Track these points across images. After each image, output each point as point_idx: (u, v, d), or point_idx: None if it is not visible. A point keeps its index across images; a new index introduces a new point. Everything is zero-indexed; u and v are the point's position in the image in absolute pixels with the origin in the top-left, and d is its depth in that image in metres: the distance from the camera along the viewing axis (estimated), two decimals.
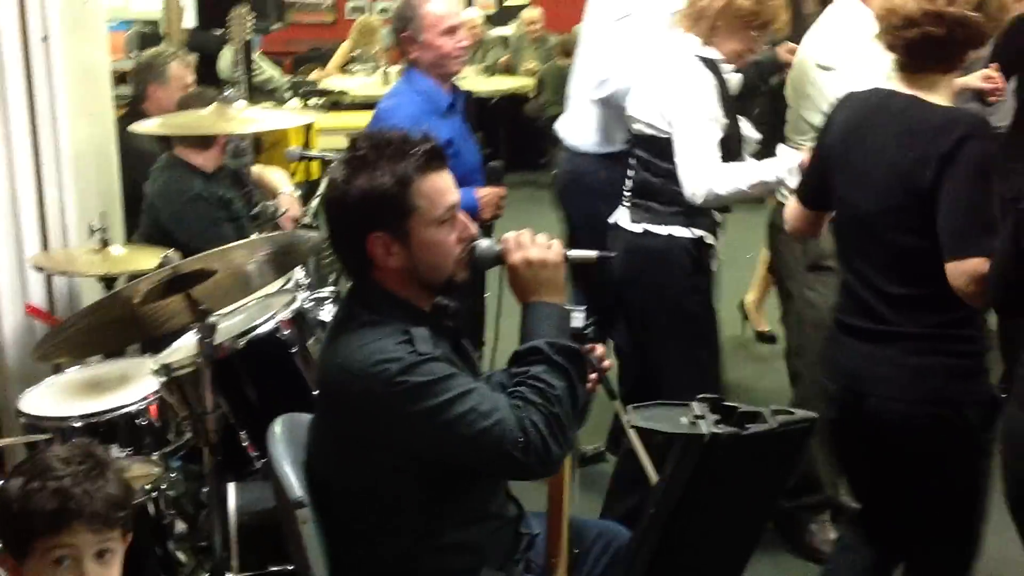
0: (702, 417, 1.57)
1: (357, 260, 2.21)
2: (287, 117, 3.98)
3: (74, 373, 3.38)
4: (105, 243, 3.46)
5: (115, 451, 2.99)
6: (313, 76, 9.51)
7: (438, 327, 2.24)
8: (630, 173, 3.53)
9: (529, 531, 2.42)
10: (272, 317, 2.85)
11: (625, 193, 3.54)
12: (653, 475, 2.04)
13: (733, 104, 3.36)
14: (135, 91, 4.88)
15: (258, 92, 7.80)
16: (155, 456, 3.03)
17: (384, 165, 2.13)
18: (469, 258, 2.26)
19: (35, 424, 3.06)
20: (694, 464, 1.52)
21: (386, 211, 2.13)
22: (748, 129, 3.44)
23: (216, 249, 2.60)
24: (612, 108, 3.84)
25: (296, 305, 2.92)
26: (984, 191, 2.39)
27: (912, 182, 2.43)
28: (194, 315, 2.47)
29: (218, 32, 6.50)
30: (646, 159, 3.45)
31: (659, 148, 3.37)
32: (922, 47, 2.44)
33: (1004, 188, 3.71)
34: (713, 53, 3.32)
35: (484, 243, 2.31)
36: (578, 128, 4.12)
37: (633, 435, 2.06)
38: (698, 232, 3.38)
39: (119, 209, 4.47)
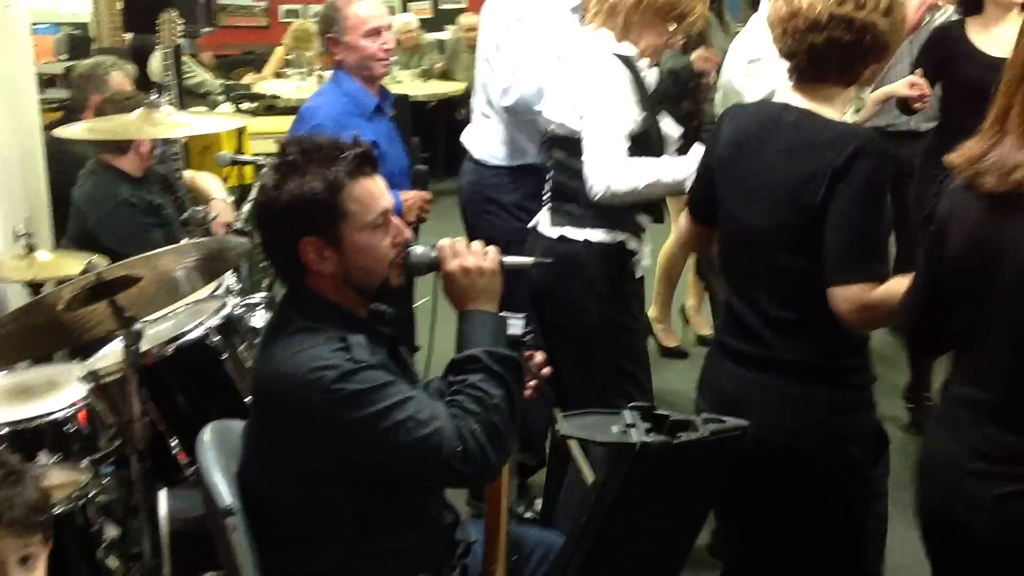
0: (633, 426, 1.58)
1: (290, 265, 2.20)
2: (215, 121, 3.95)
3: (1, 379, 3.31)
4: (31, 248, 3.40)
5: (43, 458, 2.95)
6: (247, 80, 9.46)
7: (374, 334, 2.23)
8: (548, 175, 3.42)
9: (466, 538, 2.42)
10: (201, 323, 2.82)
11: (544, 196, 3.43)
12: (589, 477, 2.04)
13: (652, 101, 3.24)
14: (74, 99, 4.79)
15: (191, 96, 7.76)
16: (84, 463, 2.97)
17: (315, 170, 2.12)
18: (403, 263, 2.25)
19: None
20: (624, 473, 1.52)
21: (317, 216, 2.12)
22: (670, 126, 3.29)
23: (142, 255, 2.56)
24: (519, 117, 3.81)
25: (226, 311, 2.90)
26: (873, 213, 2.25)
27: (801, 199, 2.28)
28: (119, 322, 2.43)
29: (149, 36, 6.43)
30: (562, 160, 3.32)
31: (574, 148, 3.22)
32: (825, 54, 2.30)
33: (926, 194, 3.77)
34: (628, 49, 3.17)
35: (419, 249, 2.31)
36: (483, 140, 4.05)
37: (573, 443, 2.06)
38: (619, 236, 3.26)
39: (47, 214, 4.41)
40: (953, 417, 2.01)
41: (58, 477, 2.75)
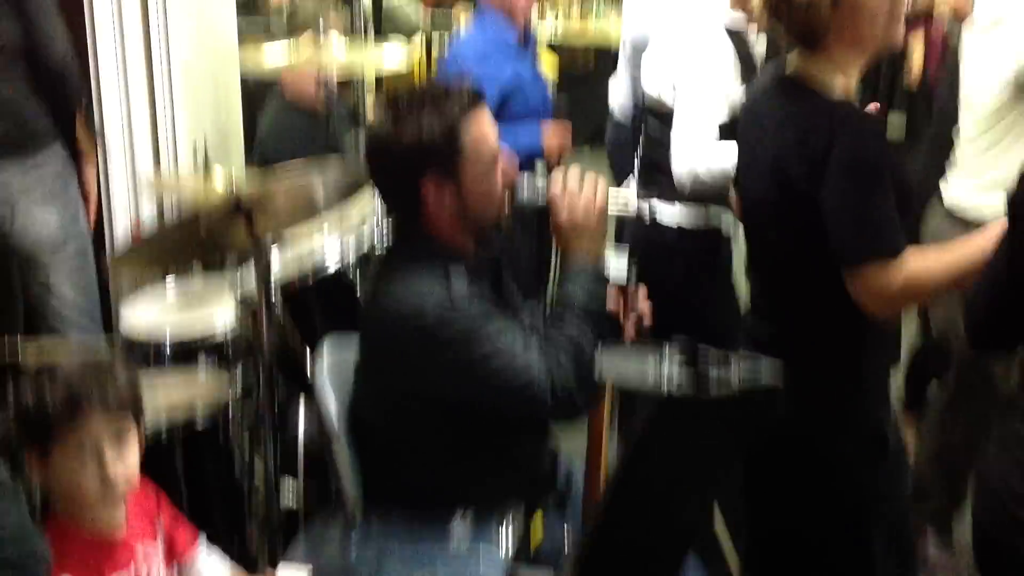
0: (669, 361, 1.60)
1: (408, 204, 2.27)
2: (382, 54, 4.02)
3: (173, 286, 3.56)
4: (207, 167, 3.63)
5: (201, 359, 3.18)
6: (456, 11, 9.55)
7: (478, 265, 2.30)
8: (640, 148, 3.36)
9: (567, 467, 2.51)
10: (340, 255, 2.97)
11: (634, 171, 3.38)
12: None
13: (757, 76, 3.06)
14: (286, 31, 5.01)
15: (395, 26, 7.92)
16: (238, 374, 3.16)
17: (430, 111, 2.18)
18: (512, 200, 2.32)
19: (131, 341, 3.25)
20: (651, 418, 1.56)
21: (438, 155, 2.19)
22: None
23: (283, 170, 2.70)
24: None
25: (365, 240, 3.02)
26: (868, 189, 2.10)
27: (781, 175, 2.19)
28: (252, 243, 2.58)
29: None
30: (655, 130, 3.25)
31: (665, 119, 3.17)
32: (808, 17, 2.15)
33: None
34: (738, 22, 3.07)
35: (525, 189, 2.36)
36: (617, 92, 4.16)
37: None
38: (712, 221, 3.18)
39: (239, 137, 4.67)
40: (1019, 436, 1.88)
41: (201, 384, 2.95)
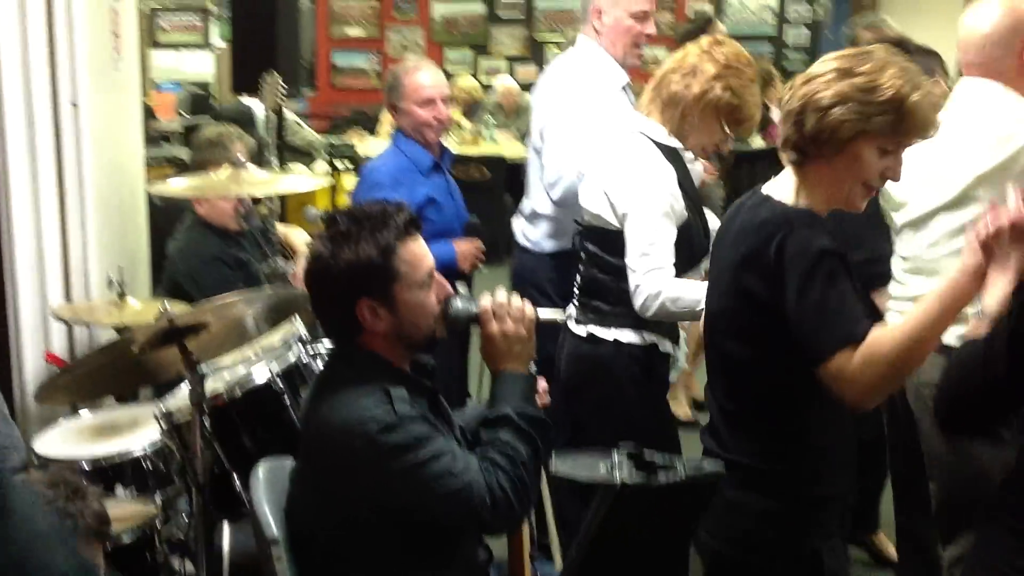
0: (620, 466, 1.70)
1: (345, 325, 2.36)
2: (296, 180, 4.15)
3: (88, 417, 3.56)
4: (122, 295, 3.65)
5: (119, 492, 3.17)
6: (354, 140, 9.80)
7: (416, 385, 2.38)
8: (580, 268, 3.27)
9: (500, 574, 2.56)
10: (268, 369, 3.00)
11: (574, 290, 3.28)
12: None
13: (697, 195, 3.14)
14: (195, 162, 5.06)
15: (297, 153, 8.11)
16: (158, 498, 3.17)
17: (367, 236, 2.28)
18: (444, 316, 2.41)
19: (47, 466, 3.22)
20: (607, 510, 1.65)
21: (373, 279, 2.29)
22: (714, 221, 3.10)
23: (213, 302, 2.76)
24: (569, 208, 3.60)
25: (292, 359, 3.07)
26: (823, 284, 2.12)
27: (738, 282, 2.26)
28: (186, 365, 2.62)
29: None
30: (594, 253, 3.17)
31: (609, 242, 3.08)
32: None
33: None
34: (675, 143, 3.04)
35: (459, 303, 2.46)
36: (530, 226, 4.04)
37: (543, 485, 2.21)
38: (650, 338, 3.09)
39: (146, 264, 4.69)
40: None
41: (128, 509, 2.94)
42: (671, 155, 3.03)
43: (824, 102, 2.16)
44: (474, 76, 11.67)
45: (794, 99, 2.23)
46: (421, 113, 3.98)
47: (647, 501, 1.65)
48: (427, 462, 2.20)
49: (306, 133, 8.47)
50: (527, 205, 4.08)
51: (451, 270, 3.80)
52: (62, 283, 3.88)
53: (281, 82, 4.97)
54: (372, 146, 8.94)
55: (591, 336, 3.14)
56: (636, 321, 3.04)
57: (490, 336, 2.41)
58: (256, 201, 4.65)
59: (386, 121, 10.00)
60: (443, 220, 3.95)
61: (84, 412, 3.58)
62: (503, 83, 9.91)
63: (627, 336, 3.08)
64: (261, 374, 3.00)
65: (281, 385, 3.01)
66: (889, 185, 2.31)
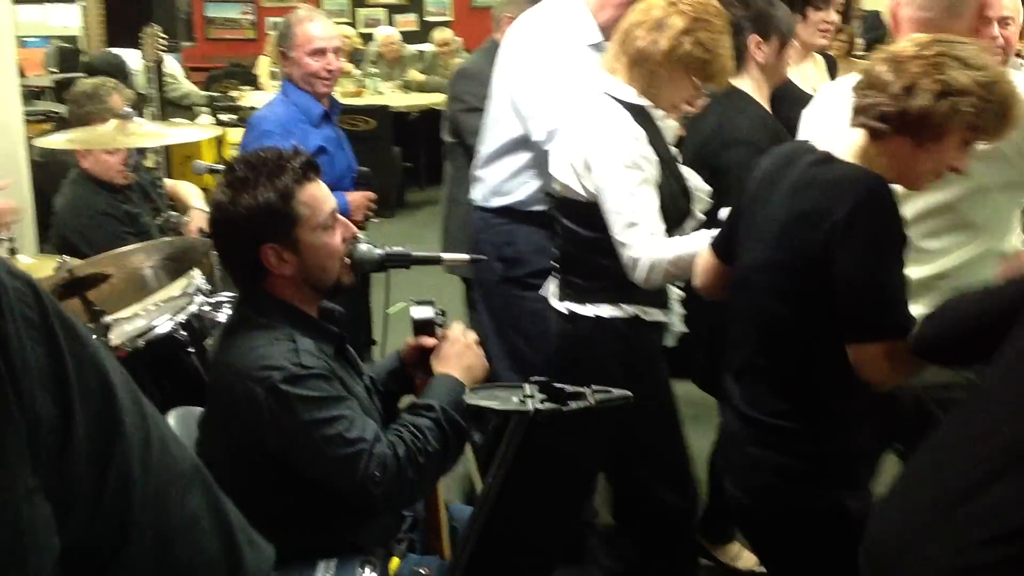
0: (531, 396, 1.77)
1: (250, 271, 2.38)
2: (187, 132, 4.13)
3: None
4: (13, 252, 3.60)
5: None
6: (233, 92, 9.66)
7: (323, 332, 2.42)
8: (556, 241, 3.08)
9: (413, 513, 2.62)
10: (170, 319, 3.01)
11: (552, 264, 3.10)
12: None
13: (671, 156, 2.90)
14: (72, 115, 4.97)
15: (175, 107, 7.97)
16: None
17: (264, 181, 2.30)
18: (351, 259, 2.46)
19: None
20: (520, 438, 1.72)
21: (274, 223, 2.31)
22: (696, 180, 2.95)
23: (110, 253, 2.76)
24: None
25: (193, 308, 3.08)
26: (885, 265, 2.11)
27: (793, 239, 2.19)
28: (89, 316, 2.62)
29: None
30: (567, 226, 2.98)
31: (579, 214, 2.89)
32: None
33: None
34: (644, 102, 2.82)
35: (363, 246, 2.50)
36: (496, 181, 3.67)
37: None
38: (630, 309, 2.88)
39: (32, 220, 4.61)
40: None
41: None
42: (640, 116, 2.81)
43: (947, 88, 2.08)
44: (351, 25, 11.55)
45: (901, 72, 2.13)
46: (311, 63, 3.97)
47: (558, 427, 1.74)
48: (322, 422, 2.22)
49: (184, 86, 8.32)
50: (484, 168, 3.72)
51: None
52: None
53: (159, 34, 4.88)
54: (256, 98, 8.83)
55: (572, 313, 2.96)
56: (615, 294, 2.88)
57: (453, 339, 2.50)
58: (141, 155, 4.60)
59: (263, 71, 9.89)
60: (334, 171, 3.96)
61: None
62: (383, 32, 9.85)
63: (607, 311, 2.90)
64: (163, 324, 3.00)
65: (184, 335, 3.02)
66: None
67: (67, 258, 2.73)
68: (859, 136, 2.22)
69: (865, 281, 2.10)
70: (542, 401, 1.75)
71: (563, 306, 2.97)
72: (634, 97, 2.81)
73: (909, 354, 2.08)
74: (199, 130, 4.12)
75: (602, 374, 2.71)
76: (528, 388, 1.78)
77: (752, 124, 3.23)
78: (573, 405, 1.74)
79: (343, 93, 9.14)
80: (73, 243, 3.93)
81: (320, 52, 3.99)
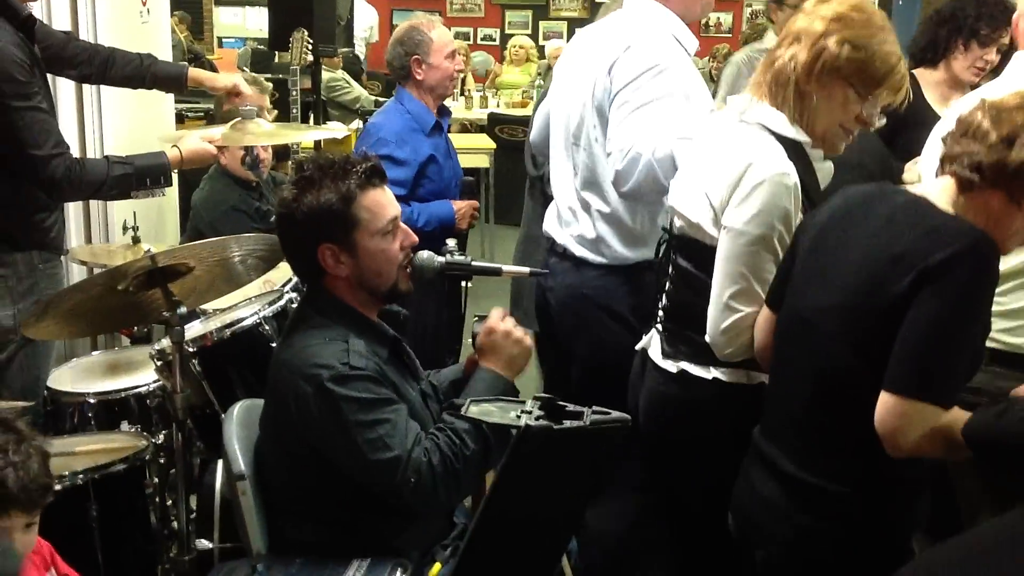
0: (530, 412, 1.76)
1: (309, 269, 2.46)
2: (305, 133, 4.26)
3: (100, 355, 3.71)
4: (136, 240, 3.78)
5: (124, 426, 3.30)
6: None
7: (378, 334, 2.46)
8: (667, 287, 2.63)
9: (463, 519, 2.63)
10: (256, 313, 3.10)
11: (658, 313, 2.66)
12: None
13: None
14: (216, 114, 5.08)
15: (345, 110, 8.21)
16: (162, 435, 3.28)
17: (329, 184, 2.37)
18: (409, 267, 2.49)
19: (56, 399, 3.36)
20: (511, 453, 1.71)
21: (333, 224, 2.37)
22: None
23: (192, 244, 2.86)
24: (643, 200, 2.99)
25: (281, 303, 3.17)
26: (962, 327, 1.92)
27: (875, 284, 1.98)
28: (167, 305, 2.72)
29: None
30: (687, 270, 2.53)
31: (705, 257, 2.43)
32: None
33: None
34: (800, 134, 2.34)
35: (424, 254, 2.54)
36: (581, 235, 3.17)
37: None
38: (757, 377, 2.45)
39: (175, 213, 4.83)
40: None
41: (121, 442, 3.06)
42: (795, 152, 2.34)
43: None
44: (532, 38, 11.70)
45: (1002, 122, 1.98)
46: (450, 66, 4.07)
47: (552, 445, 1.72)
48: (365, 424, 2.27)
49: (355, 91, 8.56)
50: (567, 201, 3.22)
51: (449, 228, 3.89)
52: (84, 227, 4.03)
53: (308, 38, 5.04)
54: None
55: (683, 374, 2.53)
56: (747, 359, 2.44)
57: (492, 329, 2.51)
58: (284, 155, 4.78)
59: None
60: (442, 179, 4.03)
61: (95, 352, 3.72)
62: (553, 44, 9.93)
63: (731, 375, 2.47)
64: (250, 316, 3.10)
65: (267, 328, 3.10)
66: None
67: (152, 248, 2.84)
68: (949, 184, 2.05)
69: (936, 335, 1.90)
70: (537, 418, 1.72)
71: (672, 365, 2.55)
72: (788, 128, 2.34)
73: (946, 431, 1.92)
74: (322, 132, 4.23)
75: (716, 444, 2.47)
76: (529, 404, 1.76)
77: (861, 146, 2.75)
78: (567, 424, 1.71)
79: (510, 104, 9.26)
80: (205, 235, 4.10)
81: (453, 55, 4.10)
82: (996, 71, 3.64)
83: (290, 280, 3.41)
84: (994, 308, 2.04)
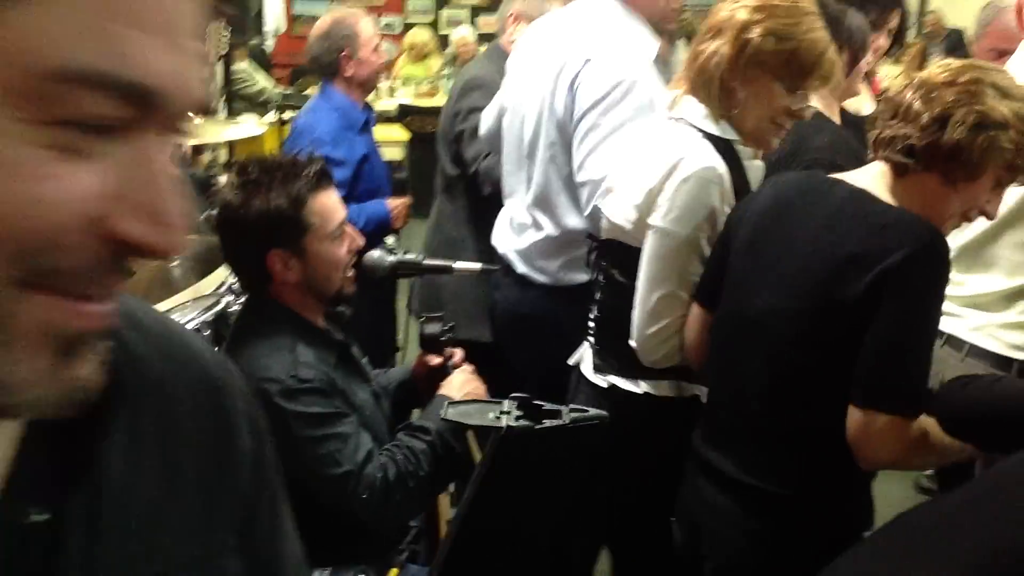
0: (508, 413, 1.74)
1: (256, 276, 2.37)
2: (225, 129, 4.18)
3: None
4: None
5: None
6: (312, 89, 9.74)
7: (325, 340, 2.40)
8: (596, 297, 2.51)
9: (417, 524, 2.61)
10: (194, 319, 3.03)
11: (588, 325, 2.54)
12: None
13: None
14: None
15: (251, 103, 8.08)
16: None
17: (278, 187, 2.29)
18: (358, 269, 2.45)
19: None
20: (493, 454, 1.70)
21: (284, 230, 2.29)
22: None
23: None
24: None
25: (219, 308, 3.09)
26: (927, 327, 1.89)
27: (830, 285, 1.91)
28: None
29: None
30: (614, 278, 2.43)
31: (633, 261, 2.33)
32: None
33: None
34: (727, 131, 2.25)
35: (375, 254, 2.50)
36: (530, 251, 3.05)
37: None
38: (690, 389, 2.38)
39: None
40: None
41: None
42: (723, 150, 2.24)
43: (985, 120, 1.86)
44: (433, 27, 11.65)
45: (932, 101, 1.91)
46: (377, 59, 4.00)
47: (532, 445, 1.71)
48: (315, 440, 2.22)
49: (258, 83, 8.42)
50: (517, 215, 3.07)
51: (386, 228, 3.84)
52: None
53: (224, 30, 4.95)
54: None
55: (613, 388, 2.44)
56: (676, 369, 2.35)
57: (458, 369, 2.52)
58: (199, 150, 4.68)
59: None
60: (374, 178, 3.97)
61: None
62: (459, 34, 9.85)
63: (662, 388, 2.39)
64: (188, 323, 3.02)
65: (206, 333, 3.03)
66: None
67: None
68: (883, 171, 2.00)
69: (900, 343, 1.86)
70: (517, 419, 1.71)
71: (603, 379, 2.46)
72: (713, 126, 2.25)
73: (920, 439, 1.89)
74: (238, 127, 4.14)
75: (650, 459, 2.40)
76: (506, 404, 1.75)
77: (833, 143, 2.68)
78: (547, 423, 1.70)
79: (416, 94, 9.20)
80: None
81: (378, 47, 4.03)
82: (887, 55, 3.70)
83: (223, 283, 3.34)
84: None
